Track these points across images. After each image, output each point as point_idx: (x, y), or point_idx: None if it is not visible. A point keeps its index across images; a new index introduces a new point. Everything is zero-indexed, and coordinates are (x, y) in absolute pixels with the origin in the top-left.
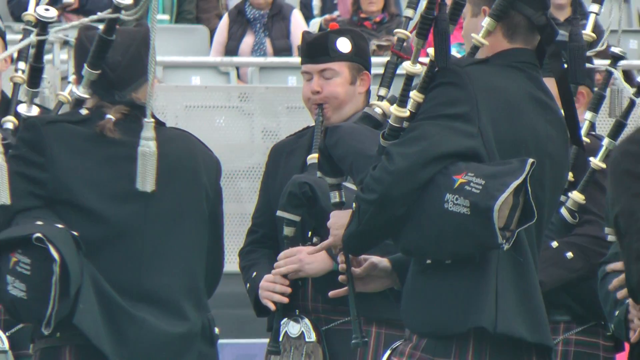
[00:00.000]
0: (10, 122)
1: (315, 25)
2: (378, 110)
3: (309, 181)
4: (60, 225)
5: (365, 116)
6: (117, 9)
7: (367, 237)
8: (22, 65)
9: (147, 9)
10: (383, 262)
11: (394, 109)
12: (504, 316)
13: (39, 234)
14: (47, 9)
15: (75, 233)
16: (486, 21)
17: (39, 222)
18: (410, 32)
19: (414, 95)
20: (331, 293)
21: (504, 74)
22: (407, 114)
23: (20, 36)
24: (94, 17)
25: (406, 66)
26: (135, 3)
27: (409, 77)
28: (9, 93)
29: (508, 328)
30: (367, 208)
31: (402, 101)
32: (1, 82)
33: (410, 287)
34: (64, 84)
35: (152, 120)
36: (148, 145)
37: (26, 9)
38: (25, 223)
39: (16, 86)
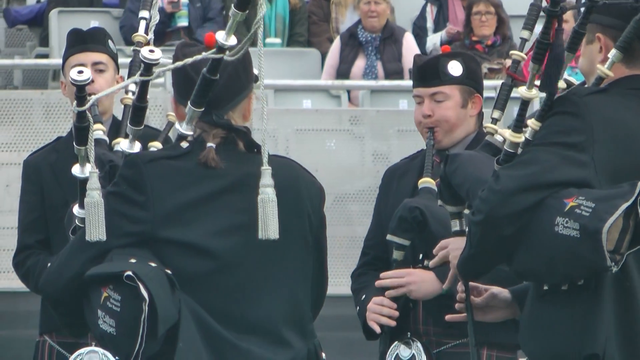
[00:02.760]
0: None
1: (435, 38)
2: (499, 138)
3: (419, 205)
4: (153, 264)
5: (486, 144)
6: (222, 49)
7: (478, 260)
8: (133, 87)
9: (248, 45)
10: (503, 292)
11: (510, 135)
12: (610, 344)
13: (130, 272)
14: (152, 51)
15: (169, 271)
16: (612, 53)
17: (133, 260)
18: (526, 54)
19: (532, 123)
20: (448, 317)
21: (625, 103)
22: (522, 139)
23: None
24: (199, 56)
25: (522, 91)
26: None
27: (524, 102)
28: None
29: (613, 355)
30: (475, 230)
31: (517, 126)
32: (112, 101)
33: (528, 314)
34: None
35: (269, 167)
36: (266, 192)
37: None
38: (118, 259)
39: (126, 108)
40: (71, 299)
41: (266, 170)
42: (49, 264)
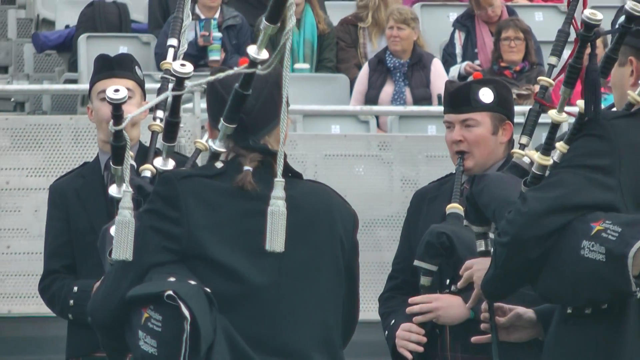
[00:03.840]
0: (148, 170)
1: (455, 71)
2: (526, 160)
3: (446, 231)
4: (192, 282)
5: (513, 165)
6: (254, 64)
7: (503, 282)
8: (160, 114)
9: (280, 58)
10: (528, 312)
11: (538, 157)
12: None
13: (170, 292)
14: (183, 65)
15: (207, 289)
16: None
17: (172, 279)
18: (554, 80)
19: (560, 146)
20: (474, 339)
21: None
22: (551, 162)
23: (158, 85)
24: (230, 71)
25: (552, 114)
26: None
27: (554, 126)
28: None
29: None
30: (501, 251)
31: (546, 149)
32: (139, 132)
33: (553, 337)
34: (203, 132)
35: (283, 180)
36: (277, 205)
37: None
38: (158, 279)
39: (154, 134)
40: (118, 323)
41: (279, 182)
42: (74, 287)
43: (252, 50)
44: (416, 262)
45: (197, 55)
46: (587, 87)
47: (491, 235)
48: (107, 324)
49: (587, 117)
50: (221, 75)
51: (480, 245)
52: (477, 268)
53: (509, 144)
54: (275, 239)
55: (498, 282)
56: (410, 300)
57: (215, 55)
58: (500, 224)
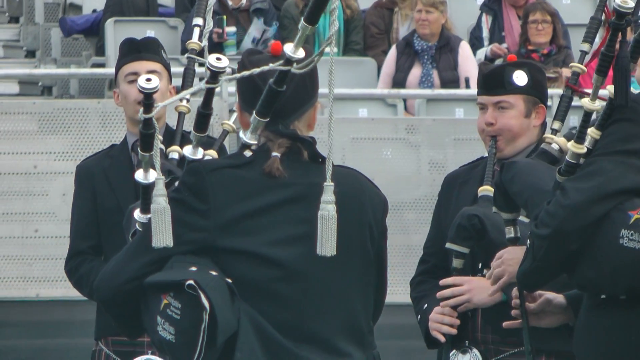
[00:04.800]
0: (175, 152)
1: (481, 54)
2: (555, 147)
3: (478, 213)
4: (214, 273)
5: (542, 152)
6: (289, 61)
7: (542, 273)
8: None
9: (313, 44)
10: (558, 298)
11: (572, 145)
12: None
13: (192, 281)
14: (218, 59)
15: (229, 280)
16: None
17: (193, 268)
18: (586, 66)
19: (592, 132)
20: (505, 324)
21: None
22: (585, 150)
23: (182, 68)
24: (266, 67)
25: (585, 102)
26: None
27: (587, 114)
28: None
29: None
30: (541, 243)
31: (579, 137)
32: (165, 115)
33: (584, 322)
34: (231, 115)
35: (332, 184)
36: (327, 209)
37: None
38: (179, 267)
39: (181, 115)
40: (125, 302)
41: (329, 186)
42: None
43: (288, 48)
44: (448, 245)
45: (212, 51)
46: (617, 72)
47: (524, 220)
48: (109, 300)
49: (618, 102)
50: (256, 70)
51: (510, 232)
52: (507, 257)
53: (541, 127)
54: (326, 244)
55: (537, 274)
56: (442, 282)
57: (232, 50)
58: (539, 215)
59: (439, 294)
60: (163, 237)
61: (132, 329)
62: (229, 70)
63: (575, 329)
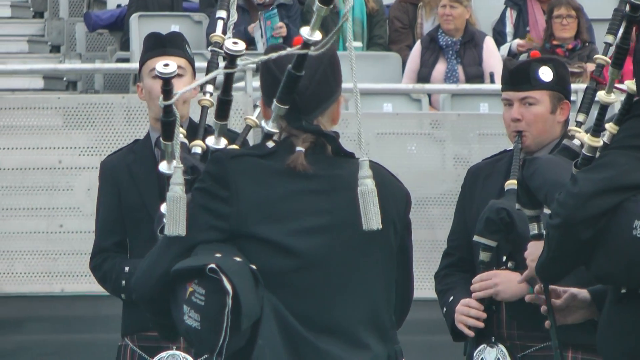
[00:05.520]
0: (198, 146)
1: (505, 49)
2: (577, 142)
3: (506, 207)
4: (238, 259)
5: (564, 148)
6: (307, 45)
7: (557, 264)
8: (209, 88)
9: (336, 40)
10: (582, 292)
11: (588, 139)
12: None
13: (213, 265)
14: (235, 42)
15: (254, 267)
16: None
17: (218, 255)
18: (610, 59)
19: (610, 127)
20: (543, 309)
21: None
22: (601, 143)
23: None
24: (283, 52)
25: (601, 95)
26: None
27: (603, 107)
28: (197, 116)
29: None
30: (554, 233)
31: (596, 130)
32: (189, 109)
33: (606, 317)
34: (255, 110)
35: (367, 159)
36: (366, 183)
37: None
38: (203, 254)
39: (204, 109)
40: (162, 298)
41: (364, 161)
42: (126, 268)
43: (305, 31)
44: (476, 238)
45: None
46: (636, 66)
47: (547, 211)
48: (149, 298)
49: (637, 97)
50: (274, 55)
51: (533, 229)
52: (529, 252)
53: (565, 123)
54: (371, 217)
55: (552, 265)
56: (474, 280)
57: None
58: (551, 206)
59: (472, 289)
60: (177, 225)
61: (169, 329)
62: (252, 66)
63: (599, 324)
